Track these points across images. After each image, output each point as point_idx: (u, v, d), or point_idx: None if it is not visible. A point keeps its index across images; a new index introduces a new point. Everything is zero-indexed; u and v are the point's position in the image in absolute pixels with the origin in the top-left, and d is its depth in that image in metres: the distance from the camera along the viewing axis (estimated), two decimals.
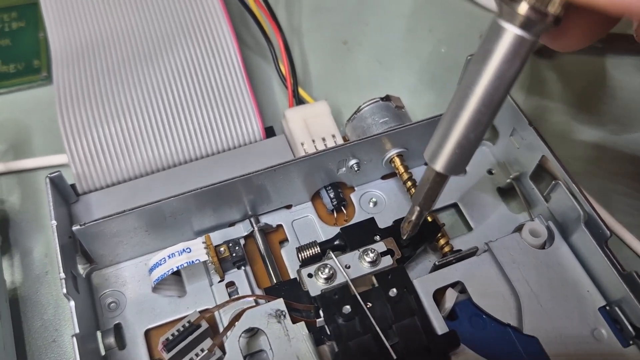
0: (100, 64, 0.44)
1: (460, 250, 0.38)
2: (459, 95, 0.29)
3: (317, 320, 0.35)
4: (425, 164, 0.44)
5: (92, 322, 0.36)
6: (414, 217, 0.35)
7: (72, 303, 0.33)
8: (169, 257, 0.36)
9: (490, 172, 0.44)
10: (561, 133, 0.48)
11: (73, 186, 0.40)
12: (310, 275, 0.35)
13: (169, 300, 0.38)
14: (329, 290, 0.35)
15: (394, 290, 0.35)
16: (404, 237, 0.36)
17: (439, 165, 0.30)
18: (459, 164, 0.30)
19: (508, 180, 0.43)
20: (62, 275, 0.33)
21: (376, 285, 0.35)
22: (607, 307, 0.36)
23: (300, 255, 0.38)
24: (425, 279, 0.36)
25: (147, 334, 0.37)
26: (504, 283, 0.36)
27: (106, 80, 0.43)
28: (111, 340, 0.36)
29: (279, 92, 0.49)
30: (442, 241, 0.39)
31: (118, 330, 0.37)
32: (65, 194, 0.39)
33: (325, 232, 0.41)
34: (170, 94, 0.43)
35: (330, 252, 0.36)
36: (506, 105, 0.42)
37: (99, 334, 0.36)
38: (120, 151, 0.41)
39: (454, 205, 0.43)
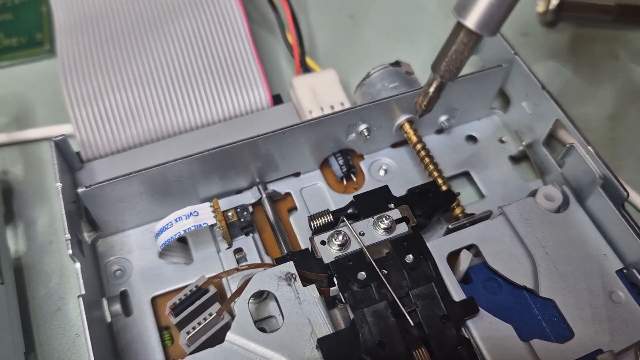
0: (105, 32, 0.43)
1: (473, 214, 0.37)
2: None
3: (331, 289, 0.34)
4: (438, 131, 0.43)
5: (97, 289, 0.36)
6: (432, 89, 0.30)
7: (78, 265, 0.32)
8: (175, 220, 0.35)
9: (501, 140, 0.43)
10: (574, 104, 0.47)
11: (78, 154, 0.39)
12: (323, 243, 0.34)
13: (175, 267, 0.37)
14: (343, 257, 0.34)
15: (410, 256, 0.34)
16: (418, 114, 0.32)
17: (471, 20, 0.26)
18: (493, 19, 0.26)
19: (520, 148, 0.42)
20: (68, 235, 0.32)
21: (391, 252, 0.34)
22: (625, 270, 0.35)
23: (312, 224, 0.37)
24: (438, 242, 0.35)
25: (154, 301, 0.36)
26: (519, 246, 0.35)
27: (111, 48, 0.43)
28: (117, 307, 0.35)
29: (285, 64, 0.49)
30: (457, 210, 0.38)
31: (124, 297, 0.36)
32: (70, 161, 0.38)
33: (335, 200, 0.40)
34: (176, 62, 0.42)
35: (345, 219, 0.35)
36: (518, 70, 0.41)
37: (104, 301, 0.36)
38: (125, 119, 0.40)
39: (466, 174, 0.42)
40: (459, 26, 0.27)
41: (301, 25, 0.46)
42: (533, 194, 0.38)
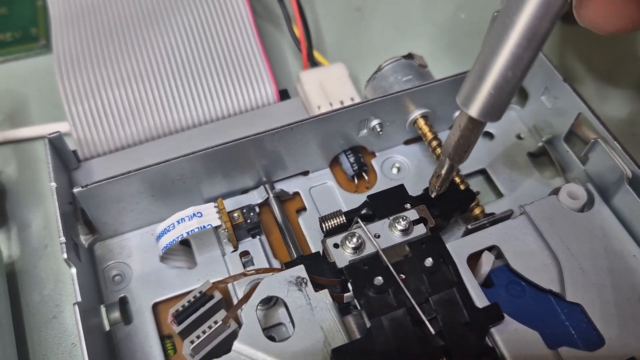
0: (103, 25, 0.41)
1: (493, 213, 0.35)
2: (496, 30, 0.26)
3: (345, 295, 0.32)
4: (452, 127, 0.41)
5: (95, 295, 0.34)
6: (443, 171, 0.32)
7: (74, 270, 0.30)
8: (178, 222, 0.33)
9: (519, 137, 0.41)
10: (592, 99, 0.45)
11: (74, 152, 0.37)
12: (336, 246, 0.32)
13: (178, 272, 0.35)
14: (358, 261, 0.32)
15: (430, 260, 0.31)
16: (432, 194, 0.33)
17: (473, 110, 0.27)
18: (495, 107, 0.27)
19: (540, 144, 0.40)
20: (63, 239, 0.30)
21: (409, 255, 0.32)
22: None
23: (324, 226, 0.34)
24: (458, 243, 0.33)
25: (155, 308, 0.34)
26: (542, 248, 0.33)
27: (109, 41, 0.41)
28: (116, 314, 0.33)
29: (292, 58, 0.47)
30: (476, 210, 0.36)
31: (123, 304, 0.34)
32: (66, 159, 0.36)
33: (346, 199, 0.38)
34: (178, 56, 0.40)
35: (359, 220, 0.33)
36: (537, 62, 0.39)
37: (102, 308, 0.34)
38: (124, 115, 0.38)
39: (483, 172, 0.40)
40: (464, 115, 0.28)
41: (307, 18, 0.44)
42: (555, 192, 0.36)
